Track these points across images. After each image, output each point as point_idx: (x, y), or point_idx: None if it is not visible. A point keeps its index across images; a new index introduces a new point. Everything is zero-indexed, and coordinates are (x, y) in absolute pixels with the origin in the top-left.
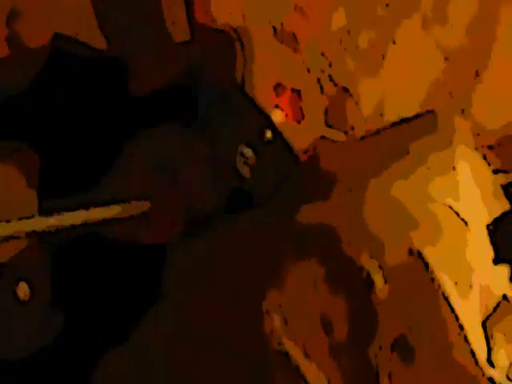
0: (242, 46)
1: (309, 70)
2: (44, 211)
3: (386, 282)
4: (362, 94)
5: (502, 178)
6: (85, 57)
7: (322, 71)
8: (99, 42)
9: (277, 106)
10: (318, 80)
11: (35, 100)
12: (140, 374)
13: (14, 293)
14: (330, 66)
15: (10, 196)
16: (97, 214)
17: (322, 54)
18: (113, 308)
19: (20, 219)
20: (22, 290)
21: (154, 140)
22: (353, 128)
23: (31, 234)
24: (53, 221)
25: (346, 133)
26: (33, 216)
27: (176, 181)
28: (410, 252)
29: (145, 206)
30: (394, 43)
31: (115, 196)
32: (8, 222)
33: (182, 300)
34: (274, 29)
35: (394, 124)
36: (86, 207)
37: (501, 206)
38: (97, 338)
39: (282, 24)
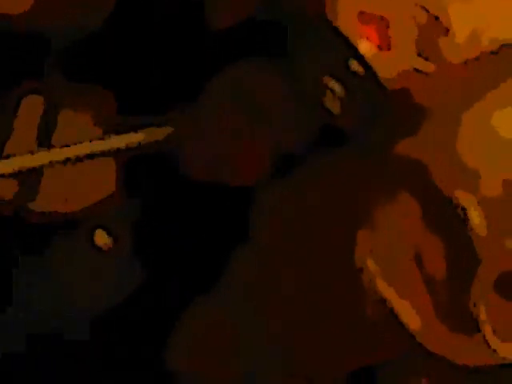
0: None
1: None
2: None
3: (483, 217)
4: (456, 21)
5: None
6: None
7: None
8: None
9: (364, 37)
10: (408, 8)
11: (110, 38)
12: (228, 322)
13: (92, 241)
14: None
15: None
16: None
17: None
18: (197, 254)
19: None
20: (101, 237)
21: (235, 77)
22: (445, 58)
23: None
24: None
25: (438, 63)
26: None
27: (261, 118)
28: (507, 183)
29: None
30: None
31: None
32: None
33: (270, 243)
34: None
35: (490, 52)
36: None
37: None
38: (181, 287)
39: None
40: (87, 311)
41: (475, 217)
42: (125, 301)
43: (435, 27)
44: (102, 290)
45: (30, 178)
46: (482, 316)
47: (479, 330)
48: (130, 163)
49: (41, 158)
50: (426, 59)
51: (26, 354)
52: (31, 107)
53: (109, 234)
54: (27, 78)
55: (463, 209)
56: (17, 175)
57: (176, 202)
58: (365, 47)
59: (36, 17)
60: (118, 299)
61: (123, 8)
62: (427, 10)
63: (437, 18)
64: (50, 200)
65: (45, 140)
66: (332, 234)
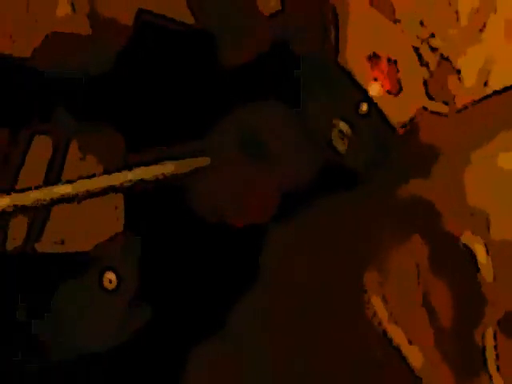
0: (336, 14)
1: (406, 40)
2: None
3: (490, 259)
4: (464, 63)
5: None
6: (171, 32)
7: (421, 40)
8: (185, 16)
9: (374, 79)
10: (417, 50)
11: (121, 79)
12: (235, 364)
13: (100, 282)
14: (430, 34)
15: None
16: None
17: (421, 23)
18: (205, 296)
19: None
20: (109, 279)
21: (245, 116)
22: (455, 99)
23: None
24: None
25: (447, 104)
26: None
27: (269, 159)
28: None
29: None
30: (496, 10)
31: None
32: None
33: (277, 282)
34: None
35: (498, 92)
36: None
37: None
38: (188, 328)
39: None
40: (93, 349)
41: (482, 258)
42: (130, 340)
43: (445, 69)
44: (107, 329)
45: (37, 217)
46: (489, 355)
47: (486, 370)
48: (137, 202)
49: (56, 191)
50: (436, 100)
51: None
52: (41, 146)
53: (116, 274)
54: (37, 118)
55: (471, 252)
56: (26, 211)
57: (183, 241)
58: (374, 89)
59: (44, 58)
60: (123, 338)
61: (133, 46)
62: (436, 53)
63: (447, 60)
64: (55, 240)
65: (54, 177)
66: (340, 274)
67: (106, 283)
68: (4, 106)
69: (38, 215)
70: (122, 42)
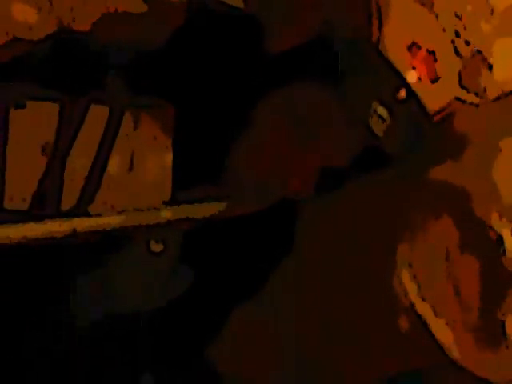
0: (378, 2)
1: (444, 31)
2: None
3: None
4: (497, 56)
5: None
6: (222, 14)
7: (456, 32)
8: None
9: (412, 67)
10: (452, 41)
11: (172, 56)
12: (269, 328)
13: (147, 244)
14: (464, 27)
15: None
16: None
17: (456, 15)
18: (243, 264)
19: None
20: (156, 242)
21: (287, 98)
22: (485, 91)
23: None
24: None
25: (478, 95)
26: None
27: (310, 136)
28: None
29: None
30: None
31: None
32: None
33: (312, 255)
34: None
35: None
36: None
37: None
38: (226, 292)
39: None
40: (140, 308)
41: (509, 242)
42: (173, 301)
43: (478, 61)
44: (154, 289)
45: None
46: (509, 328)
47: (506, 345)
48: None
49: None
50: (468, 91)
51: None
52: (96, 116)
53: (163, 241)
54: (92, 87)
55: (498, 234)
56: None
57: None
58: (412, 77)
59: (101, 32)
60: (168, 299)
61: (186, 27)
62: (470, 45)
63: (479, 52)
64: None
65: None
66: (372, 248)
67: (152, 247)
68: (63, 76)
69: (91, 180)
70: (176, 22)
